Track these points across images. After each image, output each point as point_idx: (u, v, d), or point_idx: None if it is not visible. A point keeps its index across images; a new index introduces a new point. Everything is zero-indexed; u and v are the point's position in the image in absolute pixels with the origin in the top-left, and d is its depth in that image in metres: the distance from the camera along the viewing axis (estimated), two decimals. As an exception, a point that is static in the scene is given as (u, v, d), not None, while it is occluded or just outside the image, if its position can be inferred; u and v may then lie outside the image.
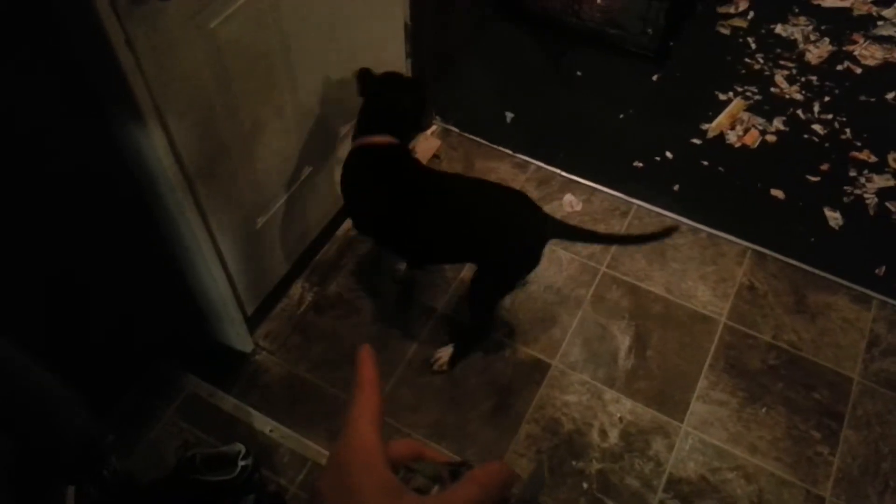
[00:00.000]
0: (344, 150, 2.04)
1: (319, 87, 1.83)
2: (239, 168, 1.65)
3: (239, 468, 1.43)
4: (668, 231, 1.85)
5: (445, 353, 1.90)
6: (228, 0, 1.40)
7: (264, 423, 1.75)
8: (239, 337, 1.87)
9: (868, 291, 2.06)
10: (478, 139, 2.45)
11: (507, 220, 1.66)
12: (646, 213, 2.26)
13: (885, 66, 2.71)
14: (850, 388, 1.88)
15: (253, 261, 1.86)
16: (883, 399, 1.86)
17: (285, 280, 2.03)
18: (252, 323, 1.95)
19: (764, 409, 1.84)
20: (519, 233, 1.67)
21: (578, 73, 2.69)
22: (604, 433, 1.81)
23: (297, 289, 2.06)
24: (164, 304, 1.74)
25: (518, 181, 2.34)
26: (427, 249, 1.78)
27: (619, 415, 1.83)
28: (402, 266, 2.08)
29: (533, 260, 1.71)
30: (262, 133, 1.67)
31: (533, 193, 2.30)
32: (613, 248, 2.17)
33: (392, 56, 2.15)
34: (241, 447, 1.45)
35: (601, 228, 2.22)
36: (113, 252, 1.51)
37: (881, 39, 2.81)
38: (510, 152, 2.42)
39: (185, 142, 1.43)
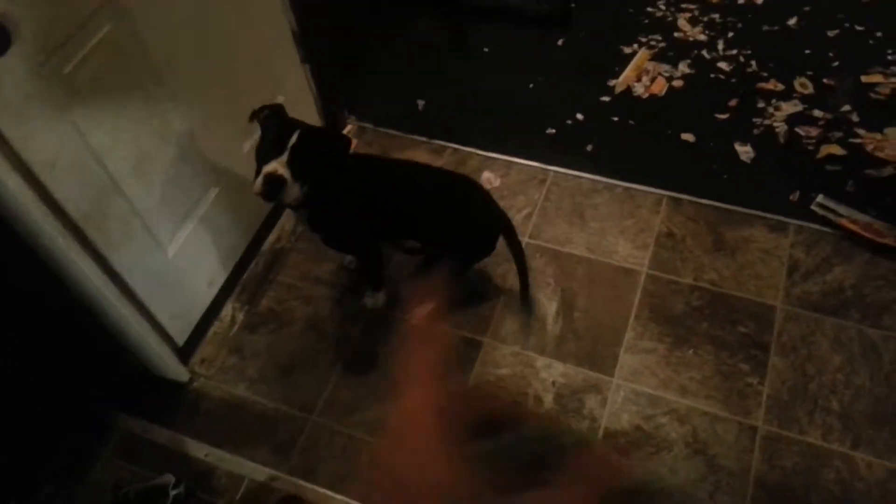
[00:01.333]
0: (250, 166, 2.08)
1: (208, 106, 1.85)
2: (134, 202, 1.67)
3: (171, 498, 1.46)
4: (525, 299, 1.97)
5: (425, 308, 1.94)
6: (78, 43, 1.41)
7: (199, 449, 1.78)
8: (172, 368, 1.90)
9: (784, 219, 2.09)
10: (392, 132, 2.47)
11: (473, 207, 1.83)
12: (563, 177, 2.29)
13: (785, -9, 2.73)
14: (774, 317, 1.92)
15: (173, 291, 1.88)
16: (807, 321, 1.90)
17: (215, 303, 2.06)
18: (186, 351, 1.98)
19: (691, 351, 1.88)
20: (486, 221, 1.85)
21: (485, 50, 2.71)
22: (539, 399, 1.84)
23: (227, 310, 2.08)
24: (88, 349, 1.77)
25: (435, 166, 2.36)
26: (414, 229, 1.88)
27: (551, 379, 1.87)
28: (351, 256, 2.12)
29: (490, 247, 1.89)
30: (151, 164, 1.69)
31: (452, 176, 2.33)
32: (534, 219, 2.20)
33: (285, 64, 2.16)
34: (170, 477, 1.48)
35: (520, 200, 2.25)
36: (21, 306, 1.54)
37: (779, -34, 2.82)
38: (426, 139, 2.44)
39: (63, 190, 1.46)
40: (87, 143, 1.50)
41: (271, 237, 2.23)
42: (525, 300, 1.96)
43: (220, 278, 2.07)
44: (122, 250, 1.67)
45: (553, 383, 1.86)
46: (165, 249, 1.82)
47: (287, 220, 2.27)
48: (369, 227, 1.80)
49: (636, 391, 1.83)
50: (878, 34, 2.52)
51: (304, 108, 2.21)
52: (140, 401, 1.91)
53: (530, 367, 1.90)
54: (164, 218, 1.79)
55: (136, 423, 1.84)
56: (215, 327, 2.05)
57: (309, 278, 2.14)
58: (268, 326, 2.05)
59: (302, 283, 2.13)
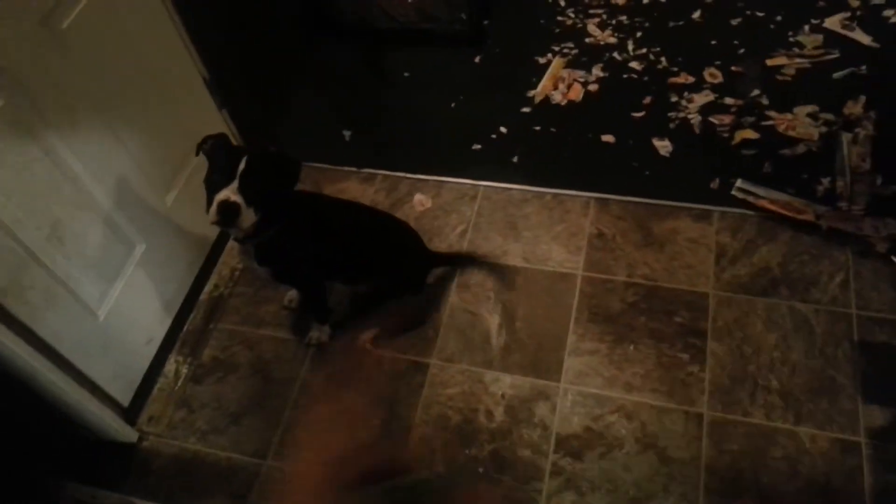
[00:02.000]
0: (178, 217, 2.07)
1: (126, 164, 1.83)
2: (54, 270, 1.64)
3: (122, 563, 1.43)
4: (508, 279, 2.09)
5: (370, 333, 1.95)
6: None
7: (150, 509, 1.75)
8: (119, 430, 1.86)
9: (707, 207, 2.15)
10: (322, 165, 2.48)
11: (406, 242, 1.96)
12: (493, 191, 2.32)
13: (687, -13, 2.82)
14: (708, 303, 1.96)
15: (109, 352, 1.85)
16: (738, 304, 1.95)
17: (157, 360, 2.03)
18: (132, 411, 1.95)
19: (632, 346, 1.91)
20: (413, 257, 1.98)
21: (405, 74, 2.74)
22: (489, 414, 1.85)
23: (171, 365, 2.06)
24: (29, 420, 1.73)
25: (367, 194, 2.38)
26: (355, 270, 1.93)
27: (500, 392, 1.88)
28: (294, 293, 2.11)
29: (419, 283, 2.05)
30: (67, 230, 1.67)
31: (383, 202, 2.35)
32: (469, 235, 2.22)
33: (202, 113, 2.16)
34: (119, 542, 1.45)
35: (453, 218, 2.27)
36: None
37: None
38: (355, 169, 2.45)
39: (-26, 268, 1.43)
40: (-7, 222, 1.47)
41: (208, 286, 2.21)
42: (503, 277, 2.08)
43: (160, 334, 2.05)
44: (47, 319, 1.64)
45: (502, 396, 1.88)
46: (96, 313, 1.80)
47: (223, 266, 2.25)
48: (316, 260, 1.81)
49: (583, 393, 1.85)
50: (778, 18, 2.62)
51: (227, 153, 2.20)
52: (90, 466, 1.87)
53: (479, 383, 1.91)
54: (89, 282, 1.76)
55: (84, 490, 1.80)
56: (160, 384, 2.02)
57: (250, 322, 2.12)
58: (213, 376, 2.03)
59: (243, 327, 2.12)
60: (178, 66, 2.03)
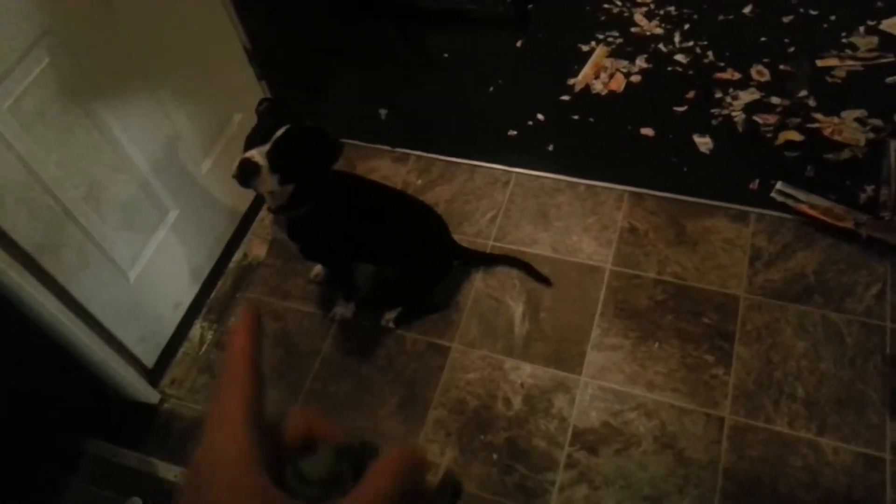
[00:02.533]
0: (213, 185, 2.08)
1: (161, 132, 1.85)
2: (89, 231, 1.67)
3: (139, 521, 1.47)
4: (546, 280, 2.04)
5: (393, 313, 2.01)
6: (19, 77, 1.42)
7: (167, 470, 1.78)
8: (141, 391, 1.90)
9: (745, 207, 2.10)
10: (356, 142, 2.48)
11: (435, 234, 1.97)
12: (525, 178, 2.29)
13: (740, -20, 2.74)
14: (738, 306, 1.93)
15: (138, 315, 1.89)
16: (770, 309, 1.91)
17: (183, 324, 2.06)
18: (156, 373, 1.99)
19: (657, 345, 1.89)
20: (439, 244, 1.98)
21: (445, 55, 2.72)
22: (508, 402, 1.85)
23: (196, 330, 2.09)
24: (55, 377, 1.77)
25: (400, 175, 2.37)
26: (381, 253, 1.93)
27: (520, 381, 1.88)
28: (320, 268, 2.13)
29: (443, 273, 2.02)
30: (104, 191, 1.70)
31: (415, 183, 2.34)
32: (499, 221, 2.21)
33: (242, 82, 2.17)
34: (137, 500, 1.48)
35: (484, 203, 2.25)
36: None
37: (734, -44, 2.83)
38: (389, 148, 2.45)
39: (13, 224, 1.46)
40: (36, 176, 1.50)
41: (237, 255, 2.23)
42: (540, 278, 2.04)
43: (187, 299, 2.08)
44: (80, 279, 1.67)
45: (522, 385, 1.87)
46: (127, 275, 1.83)
47: (253, 236, 2.27)
48: (347, 243, 1.81)
49: (604, 388, 1.84)
50: (832, 17, 2.53)
51: (264, 125, 2.21)
52: (111, 425, 1.91)
53: (499, 370, 1.90)
54: (122, 244, 1.79)
55: (107, 448, 1.84)
56: (185, 348, 2.05)
57: (277, 294, 2.14)
58: (237, 344, 2.05)
59: (270, 298, 2.14)
60: (222, 34, 2.03)
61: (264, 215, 2.29)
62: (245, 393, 0.36)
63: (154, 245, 1.90)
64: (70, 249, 1.63)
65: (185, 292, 2.07)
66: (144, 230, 1.86)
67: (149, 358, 1.95)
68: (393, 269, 1.97)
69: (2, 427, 1.64)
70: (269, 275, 2.19)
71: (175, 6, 1.81)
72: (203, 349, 2.05)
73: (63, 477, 1.77)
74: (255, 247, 2.22)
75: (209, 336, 2.07)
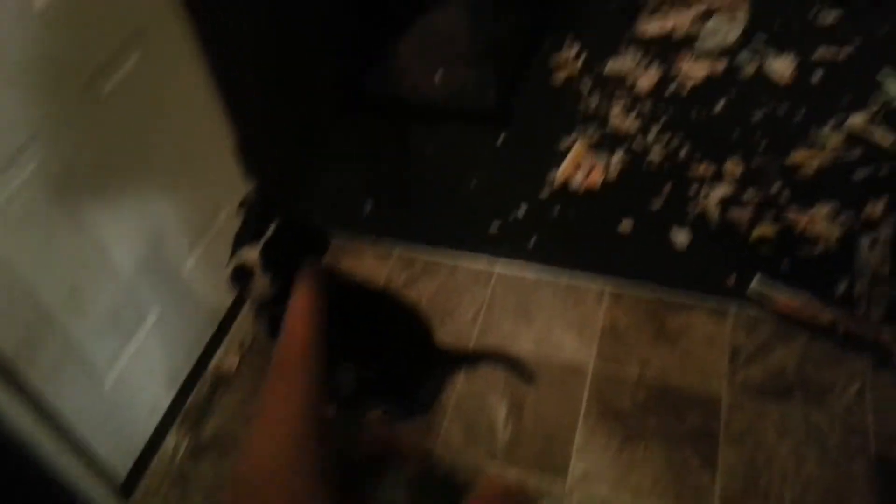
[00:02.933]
0: (195, 284, 2.08)
1: (148, 229, 1.86)
2: (68, 335, 1.66)
3: None
4: (529, 377, 2.05)
5: (374, 414, 2.00)
6: (9, 177, 1.43)
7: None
8: None
9: (723, 303, 2.12)
10: (340, 237, 2.49)
11: (416, 336, 1.99)
12: (507, 274, 2.31)
13: (710, 79, 2.86)
14: (720, 406, 1.92)
15: (112, 421, 1.85)
16: (752, 407, 1.90)
17: (157, 432, 2.01)
18: (128, 485, 1.92)
19: (642, 447, 1.87)
20: (421, 347, 1.99)
21: (430, 149, 2.78)
22: (491, 510, 1.81)
23: (171, 439, 2.04)
24: (20, 488, 1.71)
25: (382, 270, 2.39)
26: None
27: (504, 488, 1.84)
28: None
29: (426, 377, 2.04)
30: (85, 294, 1.69)
31: (399, 279, 2.35)
32: (481, 317, 2.21)
33: (227, 178, 2.19)
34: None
35: (466, 300, 2.26)
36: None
37: (704, 54, 2.96)
38: (372, 242, 2.47)
39: (-11, 333, 1.45)
40: (18, 279, 1.50)
41: (216, 360, 2.21)
42: (523, 375, 2.05)
43: (163, 404, 2.04)
44: (55, 385, 1.64)
45: (505, 491, 1.83)
46: (103, 380, 1.80)
47: (232, 339, 2.26)
48: (329, 341, 1.80)
49: (590, 495, 1.80)
50: (801, 114, 2.63)
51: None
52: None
53: (482, 476, 1.87)
54: (100, 348, 1.77)
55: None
56: (158, 457, 2.00)
57: (255, 399, 2.10)
58: (213, 453, 2.00)
59: (248, 405, 2.11)
60: (210, 132, 2.07)
61: (240, 323, 2.28)
62: (303, 387, 0.33)
63: (132, 348, 1.88)
64: (46, 353, 1.61)
65: (162, 397, 2.03)
66: (123, 333, 1.85)
67: (122, 468, 1.90)
68: (375, 370, 1.96)
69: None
70: (247, 379, 2.16)
71: (163, 100, 1.83)
72: (177, 460, 2.00)
73: None
74: (229, 360, 2.20)
75: (184, 445, 2.03)
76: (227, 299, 2.27)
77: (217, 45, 2.01)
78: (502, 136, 2.79)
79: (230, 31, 2.13)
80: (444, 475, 0.35)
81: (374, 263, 2.41)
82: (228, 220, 2.18)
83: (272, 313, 1.66)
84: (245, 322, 2.29)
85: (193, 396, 2.11)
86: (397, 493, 0.33)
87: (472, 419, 1.98)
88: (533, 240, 2.39)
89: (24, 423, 1.54)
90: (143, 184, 1.82)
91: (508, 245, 2.38)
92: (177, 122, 1.90)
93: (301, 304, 0.33)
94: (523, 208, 2.50)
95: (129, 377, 1.87)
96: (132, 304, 1.86)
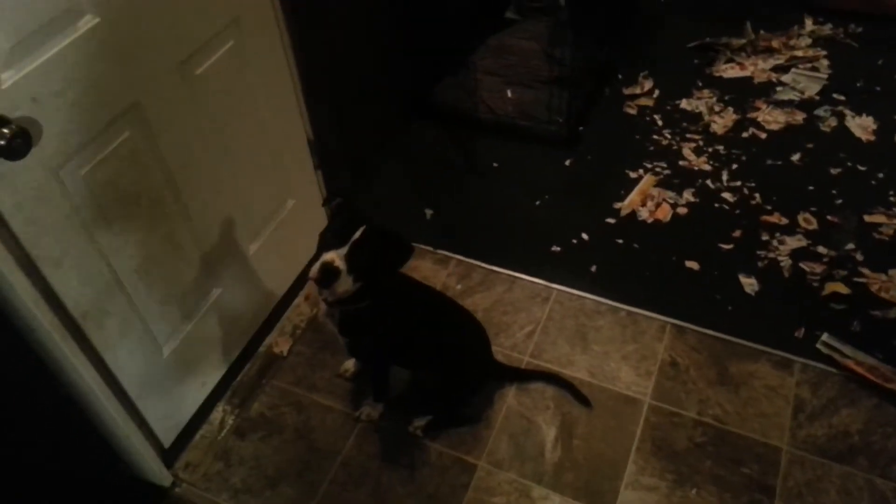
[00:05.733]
0: (257, 267, 2.08)
1: (217, 210, 1.86)
2: (135, 301, 1.65)
3: None
4: (586, 400, 2.01)
5: (423, 420, 1.94)
6: (97, 147, 1.43)
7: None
8: (155, 471, 1.82)
9: (789, 355, 2.06)
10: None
11: (478, 346, 1.95)
12: (566, 297, 2.28)
13: (788, 128, 2.82)
14: (780, 459, 1.85)
15: (164, 391, 1.83)
16: (812, 466, 1.84)
17: (205, 405, 2.00)
18: (172, 454, 1.91)
19: (694, 491, 1.80)
20: (481, 358, 1.97)
21: (494, 165, 2.77)
22: (533, 534, 1.75)
23: (217, 413, 2.02)
24: (71, 446, 1.70)
25: (440, 277, 2.36)
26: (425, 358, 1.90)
27: (548, 512, 1.79)
28: (351, 364, 2.09)
29: (482, 382, 2.00)
30: (156, 265, 1.69)
31: (455, 288, 2.33)
32: (536, 336, 2.17)
33: (298, 170, 2.20)
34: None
35: (522, 316, 2.23)
36: (10, 400, 1.48)
37: (782, 104, 2.93)
38: (431, 249, 2.45)
39: (65, 287, 1.44)
40: (96, 243, 1.50)
41: (268, 340, 2.19)
42: (580, 398, 2.01)
43: (213, 379, 2.03)
44: (117, 349, 1.63)
45: (549, 516, 1.78)
46: (162, 349, 1.79)
47: (286, 322, 2.24)
48: (396, 343, 1.79)
49: (636, 531, 1.74)
50: (880, 175, 2.58)
51: (313, 213, 2.23)
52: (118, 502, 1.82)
53: (526, 497, 1.82)
54: (163, 317, 1.76)
55: (109, 534, 1.75)
56: (203, 430, 1.98)
57: (303, 384, 2.08)
58: (257, 433, 1.98)
59: (296, 388, 2.08)
60: (288, 123, 2.08)
61: (290, 313, 2.27)
62: None
63: (193, 321, 1.87)
64: (113, 318, 1.60)
65: (213, 372, 2.02)
66: (186, 307, 1.84)
67: (167, 437, 1.88)
68: (432, 376, 1.92)
69: (5, 491, 1.56)
70: (297, 364, 2.15)
71: (248, 88, 1.85)
72: (222, 434, 1.98)
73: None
74: (281, 343, 2.18)
75: (230, 421, 2.01)
76: (283, 286, 2.26)
77: (306, 41, 2.03)
78: (570, 160, 2.77)
79: (320, 31, 2.15)
80: None
81: (432, 268, 2.39)
82: (294, 210, 2.18)
83: (345, 312, 1.65)
84: (300, 310, 2.28)
85: (243, 375, 2.10)
86: None
87: (521, 437, 1.93)
88: (594, 266, 2.36)
89: (88, 384, 1.53)
90: (221, 165, 1.82)
91: (569, 269, 2.35)
92: (258, 111, 1.91)
93: None
94: (586, 234, 2.47)
95: (185, 350, 1.86)
96: (198, 279, 1.85)
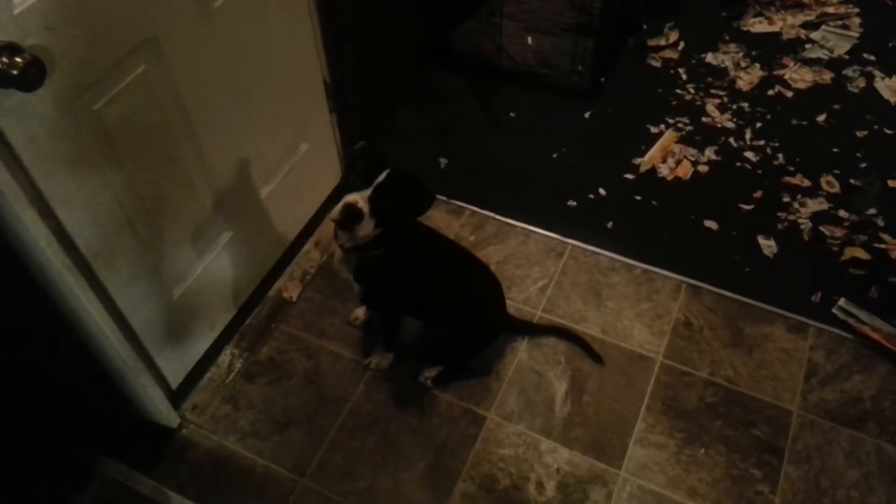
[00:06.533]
0: (270, 210, 2.04)
1: (231, 151, 1.81)
2: (146, 242, 1.62)
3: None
4: (598, 357, 1.99)
5: (433, 371, 1.94)
6: (111, 81, 1.38)
7: (181, 505, 1.70)
8: (163, 412, 1.82)
9: (804, 319, 2.04)
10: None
11: (493, 300, 1.90)
12: (581, 252, 2.24)
13: (816, 88, 2.74)
14: (790, 422, 1.85)
15: (173, 332, 1.82)
16: (822, 430, 1.83)
17: (213, 348, 1.99)
18: (179, 395, 1.91)
19: (703, 450, 1.81)
20: (495, 311, 1.92)
21: (511, 115, 2.70)
22: (541, 486, 1.76)
23: (226, 356, 2.01)
24: (79, 386, 1.69)
25: (453, 227, 2.33)
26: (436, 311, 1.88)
27: (556, 465, 1.79)
28: (361, 312, 2.07)
29: (494, 335, 1.97)
30: (167, 205, 1.65)
31: (468, 239, 2.29)
32: (549, 291, 2.15)
33: (313, 113, 2.14)
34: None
35: (536, 270, 2.20)
36: (19, 338, 1.47)
37: (810, 62, 2.84)
38: (445, 199, 2.41)
39: (77, 226, 1.41)
40: (109, 181, 1.46)
41: (278, 284, 2.17)
42: (593, 355, 1.99)
43: (222, 323, 2.01)
44: (127, 289, 1.61)
45: (557, 470, 1.78)
46: (171, 291, 1.77)
47: (295, 268, 2.22)
48: (411, 292, 1.76)
49: (643, 488, 1.75)
50: (907, 139, 2.52)
51: (326, 158, 2.18)
52: (124, 444, 1.82)
53: (534, 450, 1.82)
54: (173, 259, 1.74)
55: (121, 471, 1.75)
56: (211, 373, 1.98)
57: (312, 330, 2.07)
58: (266, 377, 1.98)
59: (305, 334, 2.07)
60: (305, 64, 2.01)
61: (300, 259, 2.24)
62: None
63: (203, 265, 1.84)
64: (124, 259, 1.57)
65: (222, 315, 2.00)
66: (197, 249, 1.81)
67: (175, 379, 1.88)
68: (445, 328, 1.90)
69: (14, 431, 1.56)
70: (306, 310, 2.13)
71: (270, 30, 1.79)
72: (230, 377, 1.97)
73: (69, 495, 1.68)
74: (290, 288, 2.16)
75: (238, 364, 2.00)
76: (295, 229, 2.23)
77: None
78: (589, 112, 2.70)
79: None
80: None
81: (445, 218, 2.35)
82: (308, 154, 2.13)
83: (361, 259, 1.62)
84: (310, 255, 2.25)
85: (252, 319, 2.08)
86: None
87: (530, 391, 1.93)
88: (611, 222, 2.31)
89: (98, 324, 1.52)
90: (236, 105, 1.76)
91: (585, 224, 2.31)
92: (276, 50, 1.84)
93: None
94: (604, 189, 2.42)
95: (195, 292, 1.84)
96: (209, 222, 1.82)
